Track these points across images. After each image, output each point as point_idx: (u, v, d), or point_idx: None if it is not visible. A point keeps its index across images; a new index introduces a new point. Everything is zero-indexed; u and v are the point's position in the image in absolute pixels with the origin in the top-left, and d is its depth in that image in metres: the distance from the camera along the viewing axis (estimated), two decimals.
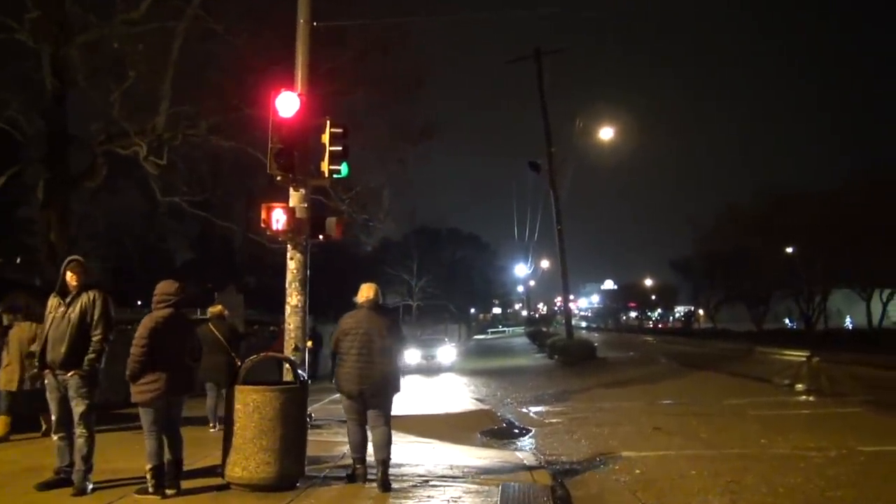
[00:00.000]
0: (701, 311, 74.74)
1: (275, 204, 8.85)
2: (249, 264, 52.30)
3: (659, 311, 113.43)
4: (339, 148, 9.25)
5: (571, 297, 34.10)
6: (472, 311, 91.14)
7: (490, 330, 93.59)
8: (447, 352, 26.53)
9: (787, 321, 64.43)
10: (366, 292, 6.24)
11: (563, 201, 28.34)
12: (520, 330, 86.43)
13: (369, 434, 5.93)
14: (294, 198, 9.26)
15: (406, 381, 20.77)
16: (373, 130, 24.32)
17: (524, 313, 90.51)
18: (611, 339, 52.97)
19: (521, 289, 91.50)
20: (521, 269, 71.68)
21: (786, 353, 26.38)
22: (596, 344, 28.44)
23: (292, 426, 5.45)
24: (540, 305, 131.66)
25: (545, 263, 69.56)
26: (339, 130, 9.31)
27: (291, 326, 9.08)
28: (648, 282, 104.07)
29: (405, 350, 29.51)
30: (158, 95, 16.57)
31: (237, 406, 5.40)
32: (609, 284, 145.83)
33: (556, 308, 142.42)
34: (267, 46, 17.37)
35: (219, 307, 9.12)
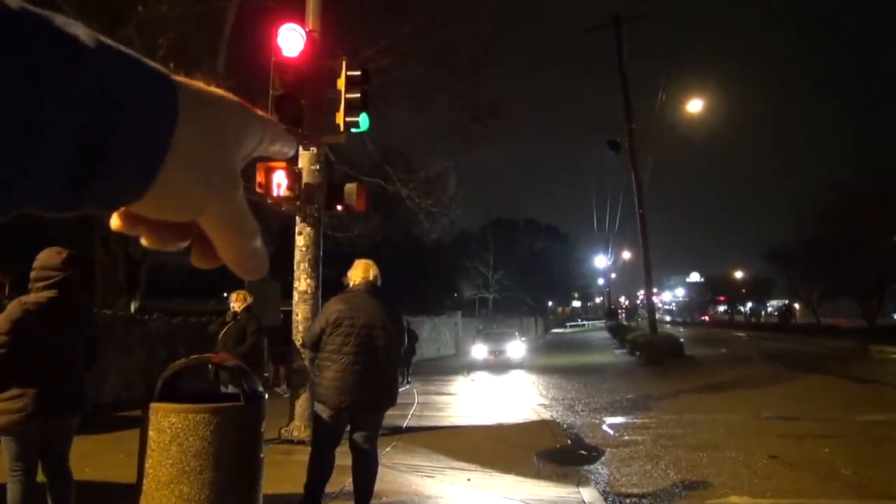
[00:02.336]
0: (796, 305, 69.17)
1: (274, 164, 7.09)
2: (326, 257, 51.90)
3: (750, 304, 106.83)
4: (357, 95, 7.42)
5: (655, 289, 31.16)
6: (550, 304, 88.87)
7: (569, 323, 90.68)
8: (517, 347, 24.52)
9: None
10: (362, 271, 4.51)
11: (645, 185, 25.73)
12: (600, 324, 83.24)
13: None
14: (303, 157, 7.51)
15: (469, 379, 18.91)
16: (436, 110, 22.69)
17: (606, 306, 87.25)
18: (698, 335, 49.26)
19: (601, 281, 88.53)
20: (601, 261, 68.94)
21: None
22: (682, 340, 25.68)
23: (230, 465, 3.65)
24: (622, 299, 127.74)
25: (627, 254, 66.47)
26: (357, 74, 7.48)
27: (299, 317, 7.39)
28: (739, 274, 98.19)
29: (474, 344, 27.69)
30: (213, 77, 15.44)
31: (150, 433, 3.62)
32: (695, 277, 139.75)
33: (638, 301, 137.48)
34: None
35: (241, 294, 7.38)
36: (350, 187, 7.70)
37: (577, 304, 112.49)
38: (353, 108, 7.39)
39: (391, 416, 10.02)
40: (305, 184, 7.35)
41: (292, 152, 0.54)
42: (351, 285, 4.58)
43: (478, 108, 23.04)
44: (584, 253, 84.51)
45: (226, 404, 3.75)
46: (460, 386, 16.31)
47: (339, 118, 7.35)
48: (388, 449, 7.19)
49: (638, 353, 24.27)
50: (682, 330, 59.82)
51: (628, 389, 14.30)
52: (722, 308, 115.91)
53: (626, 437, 8.36)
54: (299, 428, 7.22)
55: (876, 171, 35.37)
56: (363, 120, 7.42)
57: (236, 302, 7.08)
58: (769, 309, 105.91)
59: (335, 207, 7.71)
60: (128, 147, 0.37)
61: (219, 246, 0.46)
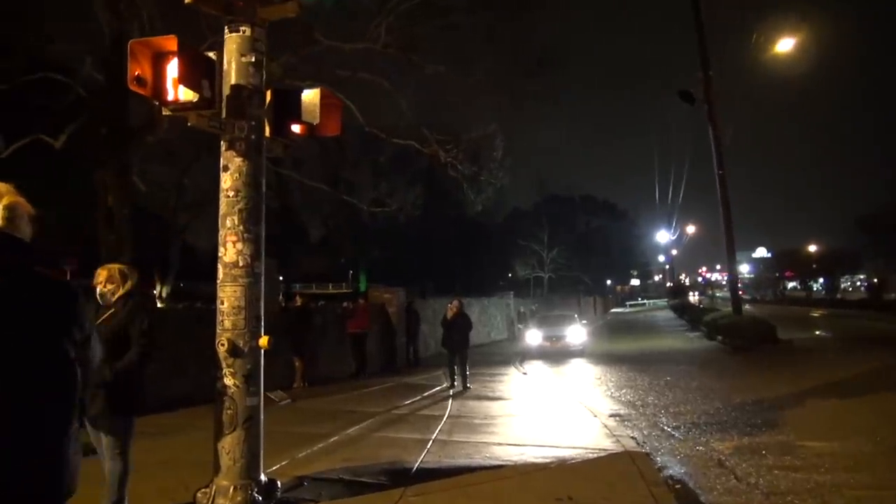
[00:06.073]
0: (875, 281, 63.11)
1: (165, 41, 4.18)
2: (376, 237, 49.66)
3: (822, 280, 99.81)
4: None
5: (717, 266, 27.11)
6: (609, 282, 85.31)
7: (629, 303, 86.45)
8: (577, 331, 21.31)
9: None
10: None
11: (726, 141, 21.96)
12: (661, 303, 78.94)
13: None
14: (229, 43, 4.51)
15: (522, 372, 15.86)
16: (481, 63, 19.56)
17: (668, 284, 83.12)
18: (776, 314, 44.79)
19: (662, 258, 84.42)
20: (663, 236, 64.72)
21: None
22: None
23: None
24: (682, 277, 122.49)
25: (691, 229, 62.03)
26: None
27: (225, 306, 4.41)
28: (812, 248, 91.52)
29: (526, 329, 24.51)
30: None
31: None
32: (761, 252, 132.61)
33: (699, 279, 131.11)
34: None
35: (112, 269, 4.29)
36: (311, 94, 4.72)
37: (635, 282, 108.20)
38: None
39: (402, 447, 7.02)
40: (233, 86, 4.41)
41: None
42: None
43: (527, 59, 19.90)
44: (644, 229, 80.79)
45: None
46: (510, 383, 13.30)
47: None
48: None
49: (720, 338, 20.79)
50: (749, 308, 55.21)
51: (727, 390, 11.02)
52: (791, 284, 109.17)
53: (767, 491, 5.21)
54: (227, 491, 4.35)
55: None
56: None
57: (107, 284, 4.14)
58: (845, 285, 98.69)
59: (288, 128, 4.76)
60: None
61: None
